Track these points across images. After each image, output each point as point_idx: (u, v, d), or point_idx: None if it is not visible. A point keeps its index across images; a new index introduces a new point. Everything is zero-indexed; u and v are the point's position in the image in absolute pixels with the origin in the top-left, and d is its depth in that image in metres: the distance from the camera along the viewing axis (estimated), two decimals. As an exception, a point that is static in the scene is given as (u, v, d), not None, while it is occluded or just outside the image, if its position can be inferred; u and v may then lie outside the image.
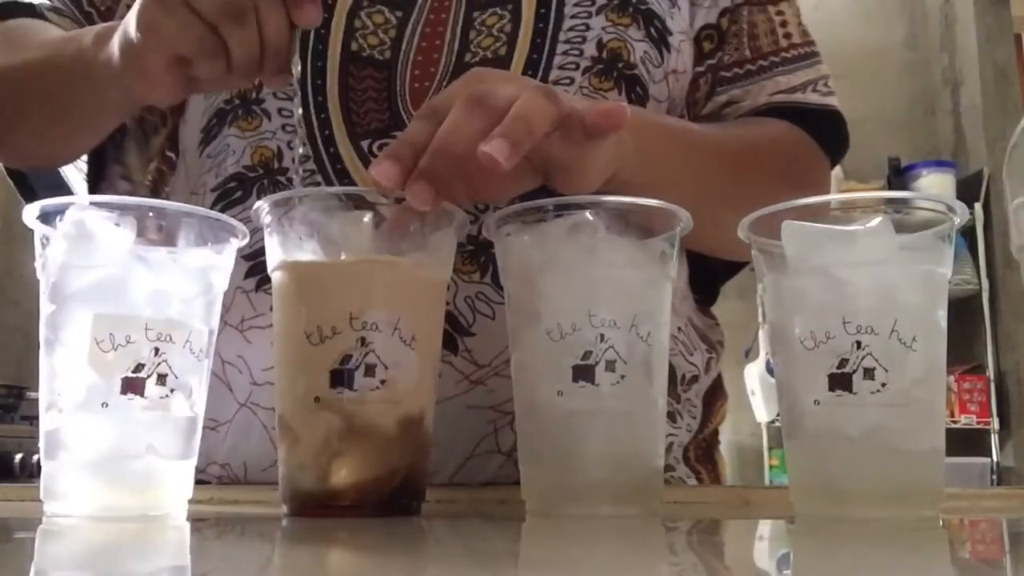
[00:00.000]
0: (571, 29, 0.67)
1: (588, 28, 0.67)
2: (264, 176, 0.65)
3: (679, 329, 0.70)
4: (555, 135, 0.48)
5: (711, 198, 0.53)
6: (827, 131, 0.74)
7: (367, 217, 0.47)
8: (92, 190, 0.75)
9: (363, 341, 0.44)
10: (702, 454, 0.72)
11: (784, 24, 0.76)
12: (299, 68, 0.57)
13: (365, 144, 0.65)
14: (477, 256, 0.62)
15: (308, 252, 0.46)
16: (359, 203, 0.47)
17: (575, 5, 0.68)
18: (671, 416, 0.67)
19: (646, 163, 0.56)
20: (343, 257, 0.46)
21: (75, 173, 0.76)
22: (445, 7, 0.68)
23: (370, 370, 0.44)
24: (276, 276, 0.48)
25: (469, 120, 0.47)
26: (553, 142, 0.49)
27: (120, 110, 0.66)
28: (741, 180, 0.65)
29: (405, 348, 0.45)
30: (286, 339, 0.46)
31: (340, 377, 0.44)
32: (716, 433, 0.75)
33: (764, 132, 0.72)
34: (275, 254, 0.48)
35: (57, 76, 0.63)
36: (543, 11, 0.68)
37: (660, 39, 0.69)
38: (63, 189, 0.75)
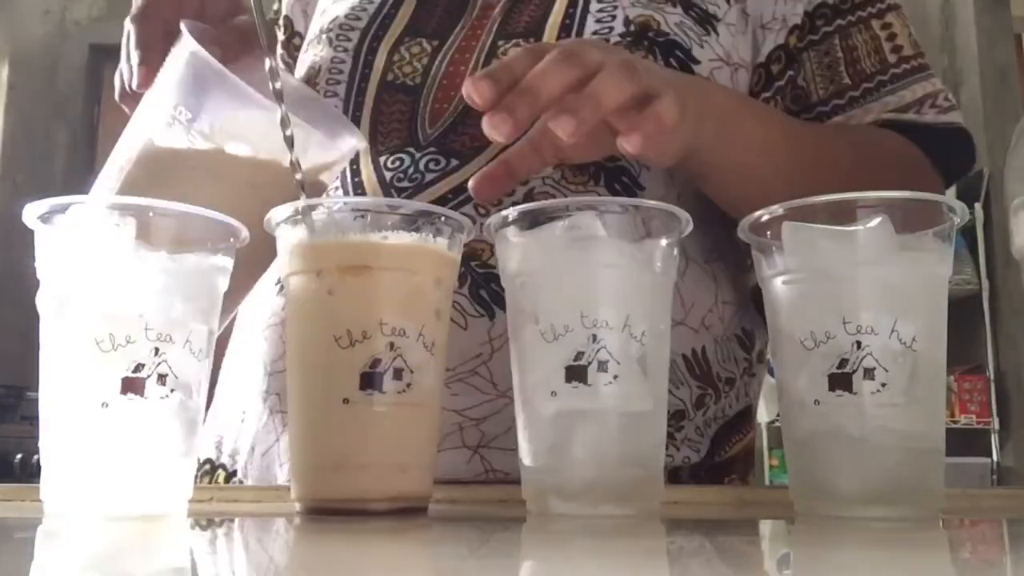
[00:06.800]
0: None
1: None
2: None
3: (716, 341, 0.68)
4: (631, 112, 0.50)
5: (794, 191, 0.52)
6: (945, 148, 0.69)
7: (388, 224, 0.47)
8: None
9: (392, 346, 0.45)
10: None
11: (892, 38, 0.70)
12: None
13: (382, 160, 0.67)
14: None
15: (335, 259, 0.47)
16: (378, 213, 0.47)
17: (594, 34, 0.68)
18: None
19: (728, 146, 0.57)
20: (370, 265, 0.46)
21: None
22: (476, 35, 0.71)
23: (398, 374, 0.45)
24: (302, 281, 0.48)
25: (559, 70, 0.49)
26: (627, 117, 0.50)
27: None
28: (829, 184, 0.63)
29: (427, 353, 0.47)
30: (312, 342, 0.47)
31: (371, 380, 0.45)
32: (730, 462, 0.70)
33: (867, 139, 0.68)
34: (296, 261, 0.48)
35: None
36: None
37: (682, 70, 0.67)
38: None
